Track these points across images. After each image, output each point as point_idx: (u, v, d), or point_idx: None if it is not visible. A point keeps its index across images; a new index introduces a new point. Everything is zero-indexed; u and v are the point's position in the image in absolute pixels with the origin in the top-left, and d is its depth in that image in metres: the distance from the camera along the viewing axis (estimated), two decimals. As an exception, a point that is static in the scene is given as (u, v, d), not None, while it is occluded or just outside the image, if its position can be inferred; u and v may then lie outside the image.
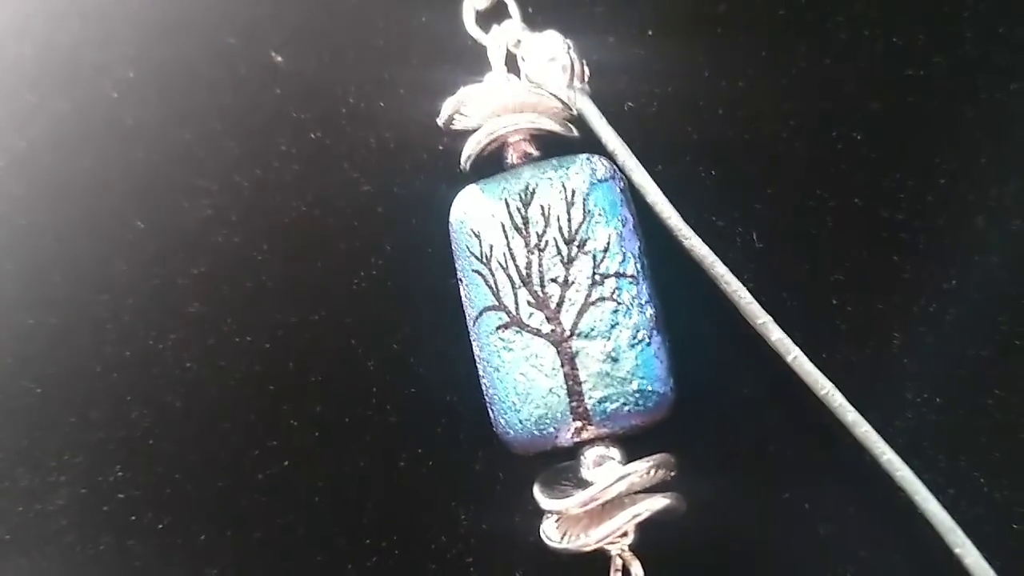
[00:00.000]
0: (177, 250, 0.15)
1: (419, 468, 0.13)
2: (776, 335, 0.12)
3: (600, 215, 0.11)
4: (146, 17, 0.16)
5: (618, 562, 0.11)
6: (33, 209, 0.15)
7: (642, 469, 0.11)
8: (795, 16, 0.14)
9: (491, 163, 0.12)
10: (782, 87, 0.13)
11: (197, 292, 0.15)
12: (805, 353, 0.13)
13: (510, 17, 0.12)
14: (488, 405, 0.12)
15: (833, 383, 0.13)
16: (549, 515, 0.11)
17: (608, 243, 0.11)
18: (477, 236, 0.12)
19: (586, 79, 0.12)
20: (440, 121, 0.12)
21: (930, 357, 0.14)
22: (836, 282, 0.13)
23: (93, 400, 0.16)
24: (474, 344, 0.12)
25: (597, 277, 0.11)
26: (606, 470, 0.11)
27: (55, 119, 0.15)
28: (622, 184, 0.12)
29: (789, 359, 0.12)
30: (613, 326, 0.11)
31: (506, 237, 0.11)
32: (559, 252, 0.11)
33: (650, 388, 0.11)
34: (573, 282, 0.11)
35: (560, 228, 0.11)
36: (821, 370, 0.13)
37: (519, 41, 0.12)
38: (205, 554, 0.15)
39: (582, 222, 0.11)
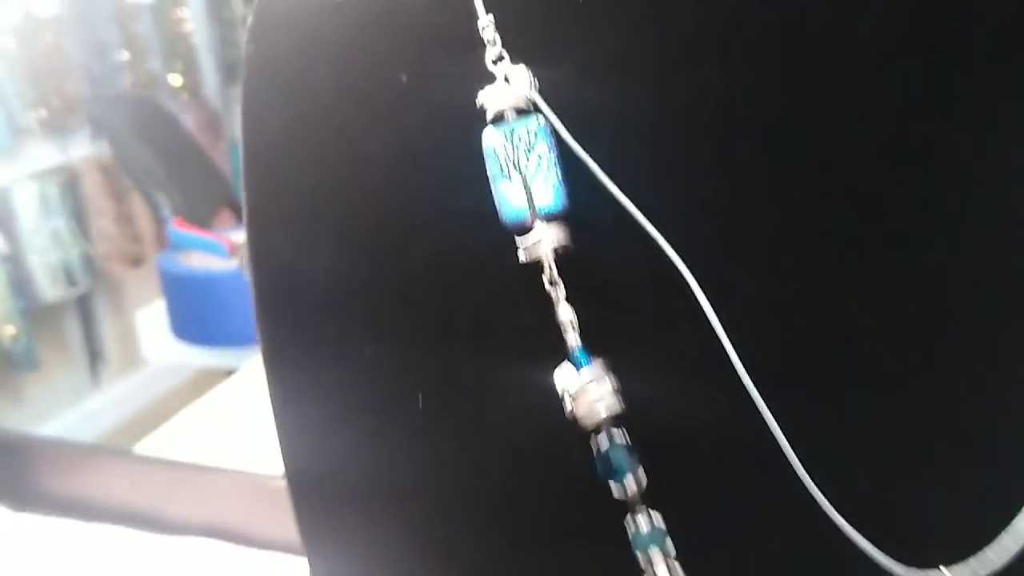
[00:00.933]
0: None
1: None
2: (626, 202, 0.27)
3: (540, 138, 0.26)
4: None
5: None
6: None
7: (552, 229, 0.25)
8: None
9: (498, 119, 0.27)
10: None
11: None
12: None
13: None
14: (499, 212, 0.26)
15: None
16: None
17: (546, 148, 0.26)
18: (492, 146, 0.26)
19: (536, 87, 0.27)
20: (478, 104, 0.27)
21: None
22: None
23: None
24: (493, 191, 0.27)
25: (540, 160, 0.26)
26: (539, 226, 0.25)
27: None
28: (549, 128, 0.26)
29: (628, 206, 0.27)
30: (546, 177, 0.26)
31: (504, 146, 0.26)
32: (526, 151, 0.26)
33: (560, 201, 0.26)
34: (530, 162, 0.26)
35: (526, 142, 0.26)
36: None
37: (509, 72, 0.27)
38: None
39: (534, 140, 0.26)
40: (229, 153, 3.08)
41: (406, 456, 0.27)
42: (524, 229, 0.25)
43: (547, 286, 0.24)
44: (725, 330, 0.23)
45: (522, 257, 0.24)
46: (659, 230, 0.24)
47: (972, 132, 0.23)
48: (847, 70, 0.24)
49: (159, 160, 2.07)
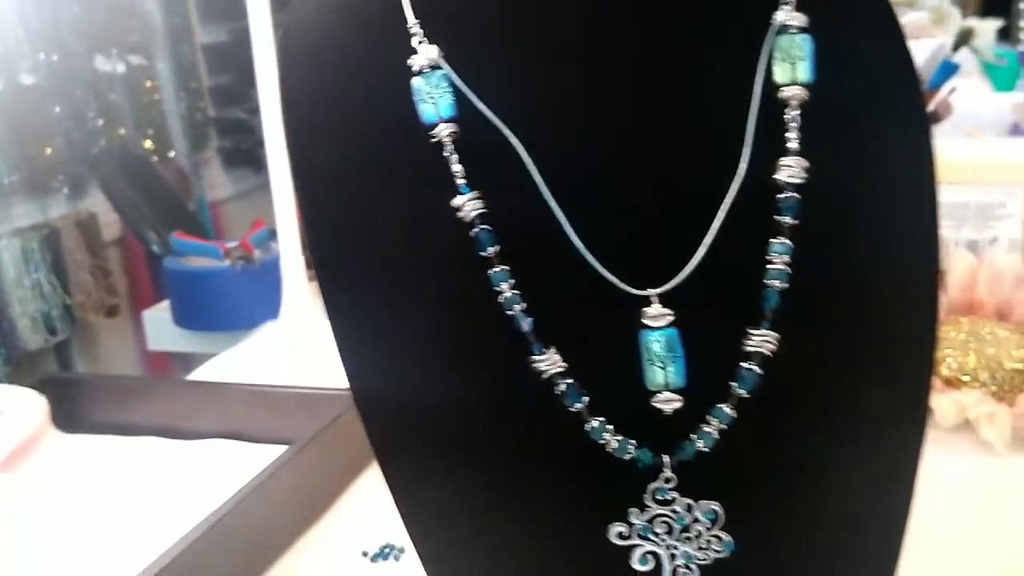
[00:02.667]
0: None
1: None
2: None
3: (442, 80, 0.44)
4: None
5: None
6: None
7: (448, 125, 0.47)
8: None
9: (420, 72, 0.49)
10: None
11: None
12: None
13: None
14: (421, 118, 0.48)
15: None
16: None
17: (446, 84, 0.44)
18: (418, 86, 0.46)
19: (441, 55, 0.49)
20: (409, 64, 0.49)
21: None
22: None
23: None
24: (417, 108, 0.48)
25: (442, 91, 0.40)
26: (441, 124, 0.48)
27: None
28: (446, 75, 0.48)
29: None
30: (444, 98, 0.48)
31: (424, 85, 0.45)
32: (435, 87, 0.46)
33: (452, 110, 0.48)
34: (436, 91, 0.45)
35: (435, 83, 0.44)
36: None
37: (426, 49, 0.49)
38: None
39: (439, 81, 0.44)
40: (198, 212, 3.29)
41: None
42: (434, 126, 0.41)
43: (446, 155, 0.45)
44: (537, 168, 0.45)
45: (434, 140, 0.45)
46: (504, 122, 0.46)
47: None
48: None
49: (148, 205, 2.30)
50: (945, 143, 1.12)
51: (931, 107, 1.10)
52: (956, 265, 0.88)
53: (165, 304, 2.11)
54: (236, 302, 1.74)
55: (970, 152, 0.95)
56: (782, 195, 0.44)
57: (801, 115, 0.45)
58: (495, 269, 0.44)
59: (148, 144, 3.07)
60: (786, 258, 0.44)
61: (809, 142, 0.45)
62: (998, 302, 0.83)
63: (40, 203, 2.76)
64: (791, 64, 0.45)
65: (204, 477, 0.78)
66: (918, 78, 0.47)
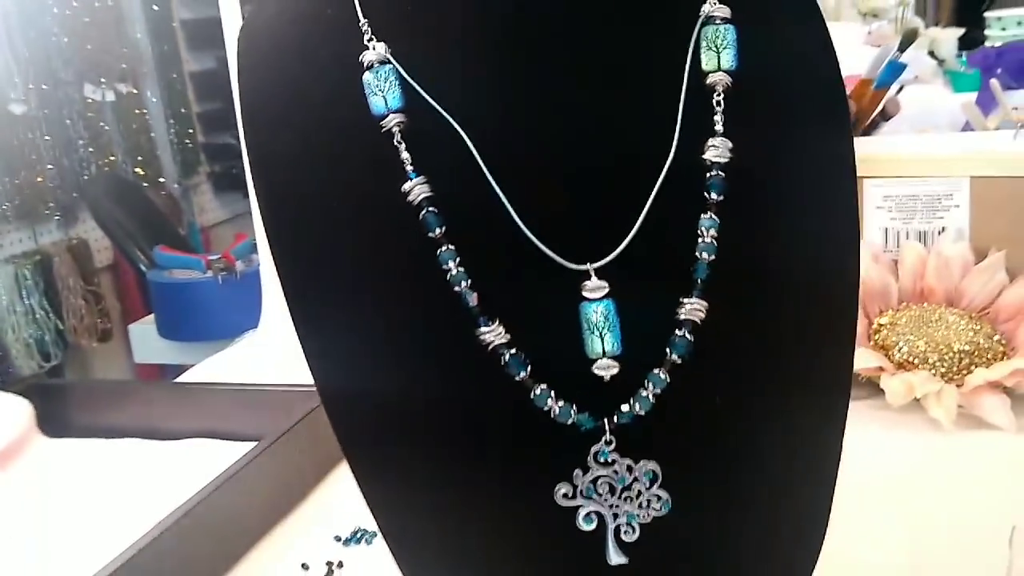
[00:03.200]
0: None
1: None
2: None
3: (390, 74, 0.49)
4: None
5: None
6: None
7: (396, 115, 0.51)
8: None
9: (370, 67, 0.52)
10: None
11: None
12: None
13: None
14: (372, 110, 0.52)
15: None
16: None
17: (393, 78, 0.50)
18: (368, 80, 0.49)
19: (389, 51, 0.52)
20: (360, 60, 0.52)
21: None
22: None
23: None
24: (368, 100, 0.51)
25: (390, 83, 0.47)
26: (391, 115, 0.51)
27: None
28: (395, 69, 0.51)
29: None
30: (393, 90, 0.51)
31: (374, 79, 0.50)
32: (384, 80, 0.50)
33: (399, 102, 0.51)
34: (386, 84, 0.49)
35: (384, 76, 0.49)
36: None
37: (376, 45, 0.52)
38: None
39: (388, 75, 0.50)
40: (189, 236, 3.32)
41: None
42: (384, 117, 0.44)
43: (395, 143, 0.48)
44: (480, 153, 0.48)
45: (383, 128, 0.48)
46: (449, 111, 0.49)
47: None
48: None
49: (139, 230, 2.33)
50: (896, 139, 1.16)
51: (880, 105, 1.13)
52: (907, 254, 0.91)
53: (150, 317, 2.16)
54: (218, 313, 1.78)
55: (919, 147, 0.98)
56: (710, 174, 0.47)
57: (726, 99, 0.48)
58: (442, 249, 0.46)
59: (139, 171, 3.10)
60: (714, 232, 0.46)
61: (734, 124, 0.48)
62: (947, 289, 0.86)
63: (32, 230, 2.79)
64: (716, 52, 0.48)
65: (184, 475, 0.80)
66: (838, 65, 0.51)
